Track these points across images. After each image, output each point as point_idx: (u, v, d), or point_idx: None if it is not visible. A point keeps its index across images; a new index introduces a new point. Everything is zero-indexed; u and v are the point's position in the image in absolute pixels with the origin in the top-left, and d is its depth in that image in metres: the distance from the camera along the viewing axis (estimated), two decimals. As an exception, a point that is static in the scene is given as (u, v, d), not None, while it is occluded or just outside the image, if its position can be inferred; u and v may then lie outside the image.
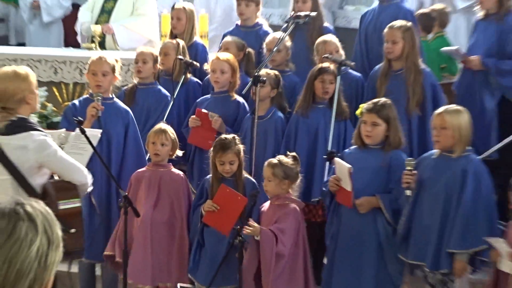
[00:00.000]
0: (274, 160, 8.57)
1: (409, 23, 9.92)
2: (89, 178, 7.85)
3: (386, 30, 9.90)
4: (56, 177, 7.81)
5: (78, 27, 13.47)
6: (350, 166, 8.40)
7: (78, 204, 7.80)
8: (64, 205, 7.60)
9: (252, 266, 8.43)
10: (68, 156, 7.78)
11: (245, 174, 8.88)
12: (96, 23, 12.96)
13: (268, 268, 8.32)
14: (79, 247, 7.95)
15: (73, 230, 7.53)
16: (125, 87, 10.52)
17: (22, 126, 7.47)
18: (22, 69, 7.63)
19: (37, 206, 3.05)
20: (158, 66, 10.40)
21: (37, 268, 2.98)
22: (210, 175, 8.94)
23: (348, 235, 8.64)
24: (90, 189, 7.95)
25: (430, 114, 9.36)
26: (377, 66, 10.06)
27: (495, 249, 7.97)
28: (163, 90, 10.29)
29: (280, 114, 9.83)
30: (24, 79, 7.47)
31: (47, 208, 3.10)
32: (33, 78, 7.59)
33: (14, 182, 7.41)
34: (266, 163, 8.62)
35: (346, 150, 8.92)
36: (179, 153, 9.27)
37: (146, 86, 10.32)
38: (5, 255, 2.93)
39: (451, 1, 13.98)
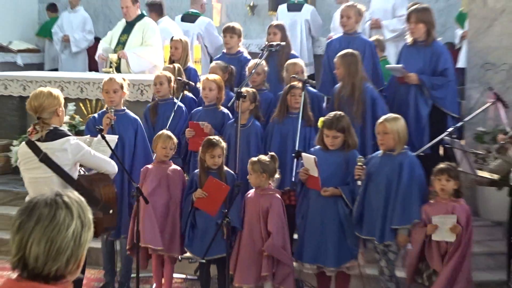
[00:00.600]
0: (254, 159, 8.68)
1: (349, 51, 9.97)
2: (116, 169, 8.10)
3: None
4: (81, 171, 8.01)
5: (96, 57, 13.54)
6: (314, 156, 8.56)
7: (114, 190, 8.08)
8: (104, 191, 7.91)
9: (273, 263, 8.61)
10: (98, 153, 7.99)
11: (226, 168, 8.98)
12: (114, 52, 13.03)
13: (286, 259, 8.57)
14: (114, 224, 8.18)
15: (111, 211, 7.81)
16: (149, 104, 10.56)
17: (58, 133, 7.61)
18: (55, 90, 7.78)
19: (73, 196, 3.12)
20: (172, 84, 10.41)
21: (73, 246, 3.05)
22: (198, 169, 9.02)
23: (315, 215, 8.69)
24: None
25: (369, 122, 9.54)
26: (336, 86, 10.11)
27: (432, 224, 8.04)
28: (179, 103, 10.24)
29: (258, 123, 9.85)
30: (55, 98, 7.63)
31: (81, 197, 3.17)
32: (62, 98, 7.74)
33: (58, 178, 7.55)
34: (250, 162, 8.71)
35: (312, 149, 8.95)
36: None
37: (165, 101, 10.30)
38: (47, 236, 2.99)
39: (381, 32, 14.13)
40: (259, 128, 9.83)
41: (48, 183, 7.47)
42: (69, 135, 7.72)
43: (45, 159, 7.54)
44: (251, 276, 8.62)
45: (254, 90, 9.88)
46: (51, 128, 7.58)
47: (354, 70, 9.85)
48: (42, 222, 3.01)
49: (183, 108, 10.26)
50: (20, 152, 7.78)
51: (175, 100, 10.29)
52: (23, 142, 7.80)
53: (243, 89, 9.52)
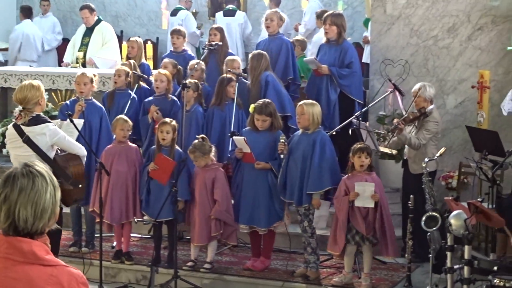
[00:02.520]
0: (192, 148, 8.74)
1: (256, 52, 10.15)
2: (85, 152, 8.13)
3: None
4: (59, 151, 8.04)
5: (64, 60, 13.60)
6: (243, 137, 8.64)
7: (83, 168, 8.11)
8: (74, 169, 7.98)
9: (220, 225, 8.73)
10: (71, 138, 8.08)
11: (176, 147, 8.96)
12: (78, 51, 13.06)
13: (230, 221, 8.74)
14: (82, 197, 8.29)
15: (80, 186, 7.89)
16: (107, 92, 10.47)
17: (40, 120, 7.73)
18: (36, 82, 7.90)
19: (41, 165, 3.09)
20: (129, 78, 10.29)
21: (51, 205, 3.03)
22: (154, 146, 9.00)
23: (249, 185, 8.74)
24: (85, 158, 8.21)
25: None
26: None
27: (354, 192, 8.12)
28: (133, 94, 10.11)
29: (200, 108, 9.80)
30: (37, 89, 7.73)
31: (45, 165, 3.16)
32: (43, 88, 7.84)
33: (37, 156, 7.58)
34: (188, 151, 8.79)
35: (243, 130, 8.98)
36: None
37: (121, 91, 10.15)
38: (32, 201, 2.97)
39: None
40: (201, 113, 9.76)
41: (29, 160, 7.39)
42: (48, 122, 7.81)
43: (27, 141, 7.65)
44: (204, 236, 8.71)
45: (196, 81, 9.83)
46: (34, 115, 7.68)
47: (256, 65, 9.94)
48: (25, 191, 2.98)
49: (136, 99, 10.11)
50: (8, 133, 7.91)
51: (130, 92, 10.14)
52: (10, 125, 7.93)
53: (188, 81, 9.55)
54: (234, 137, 8.75)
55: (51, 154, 7.80)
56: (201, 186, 8.71)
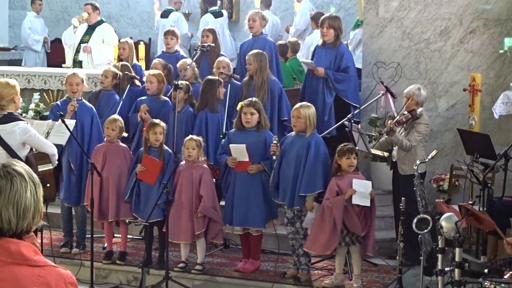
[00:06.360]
0: (195, 137, 8.75)
1: (259, 52, 9.97)
2: (56, 151, 8.05)
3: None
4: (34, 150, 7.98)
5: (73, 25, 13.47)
6: (244, 144, 8.56)
7: (51, 167, 8.02)
8: (42, 168, 7.88)
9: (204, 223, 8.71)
10: (42, 136, 8.06)
11: (165, 147, 8.95)
12: (77, 50, 13.08)
13: (217, 218, 8.72)
14: (52, 196, 8.26)
15: (48, 185, 7.72)
16: (93, 91, 10.45)
17: (11, 117, 7.69)
18: (12, 80, 7.90)
19: (19, 164, 3.06)
20: (116, 80, 10.24)
21: (33, 203, 3.00)
22: (142, 148, 9.02)
23: (242, 187, 8.69)
24: (56, 157, 8.14)
25: (275, 108, 9.66)
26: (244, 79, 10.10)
27: (352, 189, 8.10)
28: (117, 96, 10.15)
29: (191, 109, 9.75)
30: (12, 87, 7.71)
31: (24, 164, 3.11)
32: (18, 87, 7.83)
33: (7, 155, 7.55)
34: (189, 138, 8.77)
35: (230, 132, 8.95)
36: (125, 134, 9.38)
37: (106, 92, 10.16)
38: (12, 202, 2.94)
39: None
40: (191, 114, 9.73)
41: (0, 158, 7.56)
42: (20, 120, 7.79)
43: None
44: (187, 234, 8.69)
45: (187, 82, 9.81)
46: (5, 113, 7.66)
47: (263, 66, 9.79)
48: (4, 192, 2.95)
49: (119, 102, 10.04)
50: None
51: (116, 95, 10.16)
52: None
53: (179, 82, 9.50)
54: (231, 146, 8.67)
55: (23, 153, 7.76)
56: (187, 182, 8.70)
